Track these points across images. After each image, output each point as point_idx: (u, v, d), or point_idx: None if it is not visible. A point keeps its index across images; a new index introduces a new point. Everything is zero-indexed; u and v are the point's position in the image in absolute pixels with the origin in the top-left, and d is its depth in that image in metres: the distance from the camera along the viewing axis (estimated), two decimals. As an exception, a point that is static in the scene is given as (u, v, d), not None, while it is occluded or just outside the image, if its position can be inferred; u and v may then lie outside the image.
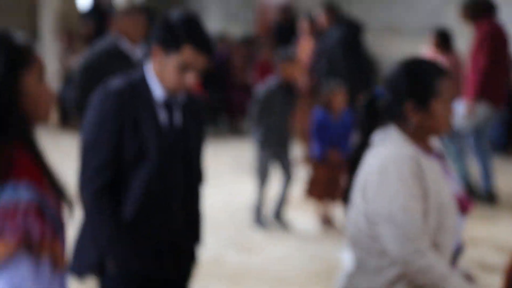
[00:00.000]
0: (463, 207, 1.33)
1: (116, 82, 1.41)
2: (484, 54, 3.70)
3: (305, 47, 5.06)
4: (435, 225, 1.15)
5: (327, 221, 3.40)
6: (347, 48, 4.31)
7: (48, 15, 6.70)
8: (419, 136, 1.21)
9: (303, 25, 5.22)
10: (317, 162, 3.37)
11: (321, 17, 4.60)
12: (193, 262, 1.49)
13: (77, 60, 3.54)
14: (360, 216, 1.19)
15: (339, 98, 3.33)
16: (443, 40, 4.33)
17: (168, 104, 1.37)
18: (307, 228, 3.52)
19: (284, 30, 6.72)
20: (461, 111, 3.69)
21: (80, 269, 1.42)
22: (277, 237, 3.39)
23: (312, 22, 4.95)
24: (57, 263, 0.88)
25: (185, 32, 1.31)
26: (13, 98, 0.89)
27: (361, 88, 3.53)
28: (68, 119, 5.81)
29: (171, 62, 1.31)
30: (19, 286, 0.82)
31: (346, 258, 1.34)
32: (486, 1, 3.83)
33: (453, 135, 3.55)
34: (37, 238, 0.84)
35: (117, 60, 2.56)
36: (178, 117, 1.40)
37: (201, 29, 1.36)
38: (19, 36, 0.95)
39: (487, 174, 3.95)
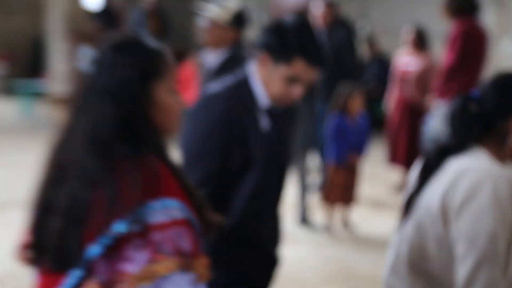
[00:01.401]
0: None
1: (218, 86, 1.34)
2: (455, 52, 3.60)
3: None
4: None
5: (343, 224, 3.42)
6: (352, 48, 4.32)
7: (55, 15, 6.67)
8: (504, 157, 1.08)
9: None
10: (335, 166, 3.39)
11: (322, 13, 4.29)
12: (278, 267, 1.46)
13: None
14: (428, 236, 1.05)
15: (356, 101, 3.35)
16: (420, 39, 4.38)
17: (269, 111, 1.31)
18: (323, 231, 3.54)
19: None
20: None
21: None
22: (292, 239, 3.39)
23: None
24: (202, 278, 0.88)
25: (298, 45, 1.24)
26: (146, 109, 0.82)
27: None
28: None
29: (280, 72, 1.24)
30: None
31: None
32: (468, 0, 3.76)
33: None
34: (190, 255, 0.84)
35: None
36: (275, 124, 1.34)
37: (314, 40, 1.30)
38: (153, 42, 0.88)
39: None
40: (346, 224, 3.44)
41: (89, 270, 0.80)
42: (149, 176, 0.81)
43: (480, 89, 1.15)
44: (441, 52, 4.38)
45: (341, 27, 4.27)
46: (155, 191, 0.80)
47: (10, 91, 6.91)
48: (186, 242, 0.84)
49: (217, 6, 2.36)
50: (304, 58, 1.23)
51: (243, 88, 1.29)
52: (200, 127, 1.25)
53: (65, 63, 6.42)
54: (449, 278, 1.02)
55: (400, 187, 4.16)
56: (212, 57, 2.39)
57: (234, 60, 2.22)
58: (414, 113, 4.36)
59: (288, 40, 1.25)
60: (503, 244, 0.98)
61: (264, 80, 1.28)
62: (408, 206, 1.11)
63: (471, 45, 3.63)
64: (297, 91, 1.26)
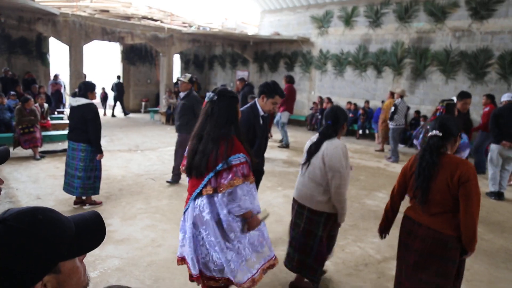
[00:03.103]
0: None
1: (245, 107, 3.65)
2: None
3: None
4: None
5: None
6: None
7: (163, 85, 14.23)
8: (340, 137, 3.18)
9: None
10: None
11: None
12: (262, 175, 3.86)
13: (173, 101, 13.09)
14: None
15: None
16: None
17: (262, 116, 3.59)
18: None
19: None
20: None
21: None
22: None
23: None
24: (252, 182, 2.48)
25: (276, 89, 3.53)
26: (237, 113, 2.59)
27: None
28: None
29: (270, 101, 3.53)
30: (246, 194, 2.42)
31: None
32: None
33: None
34: (248, 175, 2.44)
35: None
36: (263, 120, 3.63)
37: (280, 88, 3.60)
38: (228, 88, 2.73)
39: None
40: None
41: (209, 181, 2.45)
42: (231, 144, 2.43)
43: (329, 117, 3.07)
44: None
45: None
46: (234, 150, 2.42)
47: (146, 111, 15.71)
48: (246, 170, 2.43)
49: (184, 76, 6.10)
50: (279, 95, 3.54)
51: (254, 107, 3.59)
52: (243, 120, 3.43)
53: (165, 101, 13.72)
54: (323, 183, 2.97)
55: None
56: (182, 94, 6.15)
57: (189, 95, 6.09)
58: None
59: (273, 89, 3.53)
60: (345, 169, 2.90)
61: (261, 104, 3.57)
62: (307, 160, 3.08)
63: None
64: (275, 108, 3.58)
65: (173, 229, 4.58)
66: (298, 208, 3.15)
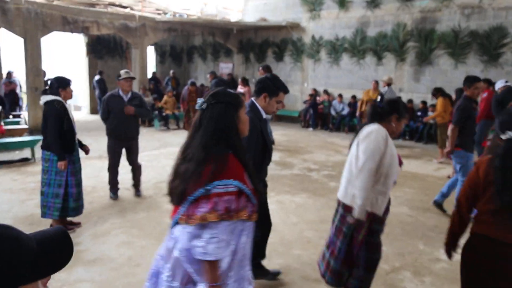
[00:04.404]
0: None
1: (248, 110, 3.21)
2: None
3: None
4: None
5: None
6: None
7: (136, 81, 13.61)
8: (390, 130, 3.10)
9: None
10: None
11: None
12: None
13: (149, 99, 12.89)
14: None
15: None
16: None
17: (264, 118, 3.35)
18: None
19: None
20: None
21: None
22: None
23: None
24: (249, 219, 2.02)
25: (280, 85, 3.35)
26: (235, 124, 2.07)
27: None
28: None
29: (273, 100, 3.32)
30: (220, 237, 1.91)
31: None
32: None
33: None
34: (234, 211, 1.94)
35: None
36: (265, 122, 3.35)
37: (282, 82, 3.42)
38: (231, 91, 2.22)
39: None
40: None
41: (187, 208, 1.97)
42: (221, 165, 1.95)
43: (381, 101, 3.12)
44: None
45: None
46: (224, 174, 1.94)
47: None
48: (234, 205, 1.93)
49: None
50: (283, 91, 3.34)
51: (255, 110, 3.29)
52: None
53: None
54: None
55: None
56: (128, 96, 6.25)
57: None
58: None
59: (275, 84, 3.31)
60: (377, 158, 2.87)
61: (263, 105, 3.31)
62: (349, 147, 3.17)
63: None
64: (279, 107, 3.38)
65: (153, 245, 4.44)
66: (337, 205, 3.15)
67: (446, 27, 11.28)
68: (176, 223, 2.06)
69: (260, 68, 9.81)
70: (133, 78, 5.99)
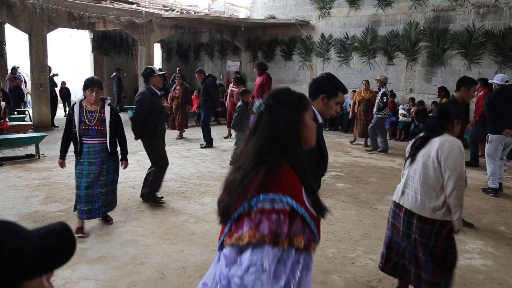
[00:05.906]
0: None
1: None
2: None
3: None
4: None
5: None
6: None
7: (142, 78, 14.38)
8: (455, 136, 3.26)
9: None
10: None
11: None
12: None
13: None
14: None
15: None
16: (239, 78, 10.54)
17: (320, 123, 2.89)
18: None
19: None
20: None
21: None
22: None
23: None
24: (306, 249, 1.57)
25: (339, 85, 2.98)
26: (297, 129, 1.72)
27: None
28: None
29: (332, 101, 2.93)
30: (260, 266, 1.50)
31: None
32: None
33: None
34: (285, 236, 1.52)
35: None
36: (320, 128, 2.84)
37: (339, 81, 3.06)
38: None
39: None
40: None
41: (229, 227, 1.64)
42: (272, 175, 1.58)
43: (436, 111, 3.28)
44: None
45: None
46: (273, 186, 1.56)
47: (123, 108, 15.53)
48: (282, 228, 1.52)
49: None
50: (341, 90, 2.98)
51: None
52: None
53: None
54: (437, 186, 3.09)
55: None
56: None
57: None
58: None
59: (333, 84, 2.95)
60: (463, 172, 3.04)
61: (320, 108, 2.89)
62: (412, 157, 3.28)
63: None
64: (337, 109, 3.01)
65: (157, 244, 4.47)
66: (406, 215, 3.26)
67: (460, 26, 11.22)
68: (221, 246, 1.73)
69: (255, 68, 10.29)
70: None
